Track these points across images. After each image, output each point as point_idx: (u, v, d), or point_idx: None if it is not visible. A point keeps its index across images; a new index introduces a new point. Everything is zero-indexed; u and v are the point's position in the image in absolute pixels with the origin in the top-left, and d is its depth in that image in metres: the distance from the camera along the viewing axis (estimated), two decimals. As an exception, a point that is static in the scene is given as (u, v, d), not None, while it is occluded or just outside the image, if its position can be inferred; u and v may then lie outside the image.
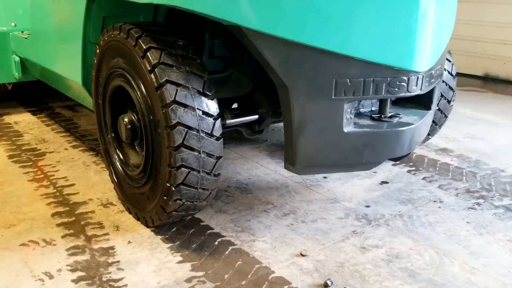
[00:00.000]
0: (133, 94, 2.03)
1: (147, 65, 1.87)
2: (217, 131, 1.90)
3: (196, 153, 1.86)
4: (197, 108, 1.85)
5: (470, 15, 5.46)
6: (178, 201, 1.96)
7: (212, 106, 1.89)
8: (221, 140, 1.92)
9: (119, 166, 2.34)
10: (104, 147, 2.45)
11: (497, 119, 4.03)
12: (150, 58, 1.87)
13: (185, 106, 1.83)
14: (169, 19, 2.55)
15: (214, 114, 1.89)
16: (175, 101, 1.82)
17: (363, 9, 1.73)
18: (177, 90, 1.83)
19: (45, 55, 3.21)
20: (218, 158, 1.93)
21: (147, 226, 2.21)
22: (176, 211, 2.02)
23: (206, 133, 1.87)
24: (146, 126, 2.01)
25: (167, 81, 1.83)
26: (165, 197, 1.95)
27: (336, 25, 1.72)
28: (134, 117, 2.13)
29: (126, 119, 2.14)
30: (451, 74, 2.83)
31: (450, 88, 2.83)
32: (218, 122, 1.90)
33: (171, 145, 1.83)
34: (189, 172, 1.88)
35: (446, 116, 2.93)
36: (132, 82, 2.02)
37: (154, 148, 1.99)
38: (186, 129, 1.83)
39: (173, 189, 1.91)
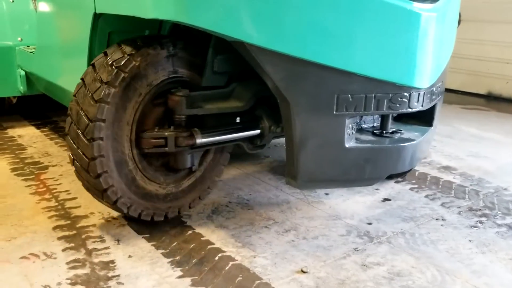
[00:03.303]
0: None
1: None
2: (98, 96, 2.00)
3: (77, 106, 2.05)
4: (98, 73, 2.05)
5: (473, 34, 5.50)
6: (70, 154, 2.12)
7: (109, 75, 2.02)
8: (100, 106, 1.99)
9: None
10: None
11: (500, 138, 4.03)
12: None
13: (94, 69, 2.09)
14: (173, 34, 2.57)
15: (106, 81, 2.01)
16: (92, 64, 2.11)
17: (365, 26, 1.75)
18: (100, 57, 2.13)
19: (51, 69, 3.25)
20: (92, 121, 2.00)
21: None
22: (76, 170, 2.16)
23: (91, 94, 2.02)
24: None
25: (103, 53, 2.15)
26: None
27: (338, 41, 1.74)
28: None
29: None
30: None
31: None
32: (106, 90, 2.00)
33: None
34: (71, 123, 2.08)
35: None
36: None
37: None
38: (82, 84, 2.10)
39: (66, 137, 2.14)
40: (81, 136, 2.03)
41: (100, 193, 2.13)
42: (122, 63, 2.02)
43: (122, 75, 2.02)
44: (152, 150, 2.20)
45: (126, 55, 2.04)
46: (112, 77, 2.01)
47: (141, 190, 2.23)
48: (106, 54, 2.09)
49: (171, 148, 2.18)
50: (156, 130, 2.21)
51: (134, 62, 2.04)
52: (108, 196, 2.12)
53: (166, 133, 2.18)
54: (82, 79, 2.09)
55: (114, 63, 2.03)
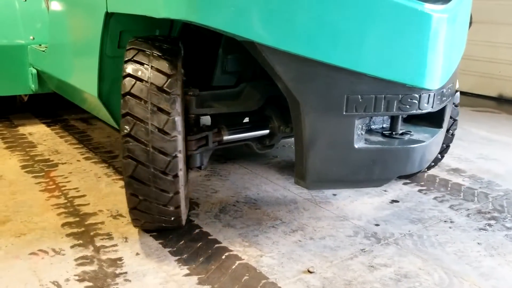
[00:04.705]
0: None
1: (124, 63, 1.97)
2: (171, 129, 1.89)
3: (143, 146, 1.87)
4: (151, 103, 1.87)
5: (484, 36, 5.46)
6: (133, 196, 1.97)
7: (169, 103, 1.89)
8: (176, 138, 1.89)
9: None
10: None
11: (511, 141, 3.99)
12: (126, 56, 1.96)
13: (138, 98, 1.87)
14: (184, 34, 2.59)
15: (170, 111, 1.89)
16: (129, 93, 1.88)
17: (375, 27, 1.74)
18: (134, 83, 1.89)
19: (62, 68, 3.27)
20: (173, 157, 1.90)
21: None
22: (138, 210, 2.02)
23: (158, 128, 1.87)
24: None
25: (128, 75, 1.91)
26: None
27: (348, 42, 1.73)
28: None
29: None
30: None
31: (454, 104, 2.81)
32: (175, 120, 1.89)
33: (121, 134, 1.88)
34: (136, 165, 1.89)
35: (453, 134, 2.90)
36: None
37: None
38: (134, 120, 1.86)
39: (125, 181, 1.93)
40: (161, 175, 1.91)
41: (173, 221, 2.11)
42: (174, 87, 1.91)
43: (179, 99, 1.93)
44: (195, 151, 2.18)
45: (170, 76, 1.93)
46: (176, 105, 1.90)
47: (184, 200, 2.24)
48: (137, 78, 1.91)
49: (210, 144, 2.21)
50: (195, 131, 2.19)
51: (179, 82, 1.95)
52: (179, 221, 2.13)
53: (207, 132, 2.19)
54: (129, 114, 1.87)
55: (166, 88, 1.90)
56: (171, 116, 1.88)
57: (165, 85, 1.91)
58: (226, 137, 2.29)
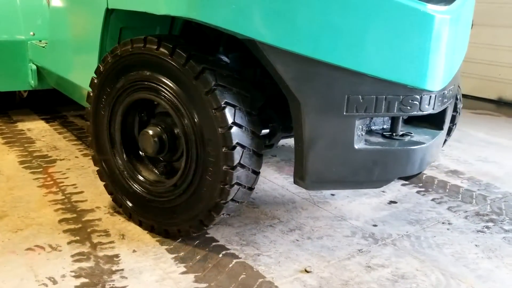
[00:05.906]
0: (173, 112, 2.01)
1: (203, 87, 1.86)
2: (261, 149, 1.96)
3: (247, 171, 1.92)
4: (249, 128, 1.90)
5: (485, 39, 5.46)
6: (222, 215, 2.02)
7: (257, 125, 1.95)
8: (262, 156, 1.98)
9: (128, 179, 2.32)
10: (103, 158, 2.39)
11: (510, 143, 3.99)
12: (207, 79, 1.86)
13: (241, 127, 1.87)
14: (184, 32, 2.58)
15: (258, 133, 1.95)
16: (234, 123, 1.85)
17: (378, 27, 1.74)
18: (235, 111, 1.86)
19: (62, 64, 3.27)
20: (258, 173, 2.00)
21: (166, 237, 2.21)
22: (213, 224, 2.09)
23: (254, 152, 1.93)
24: (189, 143, 1.98)
25: (227, 103, 1.85)
26: (209, 212, 2.00)
27: (350, 42, 1.73)
28: (161, 131, 2.13)
29: (151, 133, 2.12)
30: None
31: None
32: (261, 140, 1.97)
33: (230, 164, 1.86)
34: (239, 188, 1.95)
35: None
36: (175, 100, 1.98)
37: (198, 165, 1.98)
38: (242, 149, 1.88)
39: (223, 204, 1.95)
40: (248, 191, 2.02)
41: None
42: (256, 109, 1.99)
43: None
44: None
45: (248, 98, 1.97)
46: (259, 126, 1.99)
47: None
48: (234, 106, 1.86)
49: None
50: None
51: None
52: None
53: None
54: (239, 144, 1.87)
55: (253, 112, 1.95)
56: (260, 138, 1.96)
57: (252, 109, 1.94)
58: None
